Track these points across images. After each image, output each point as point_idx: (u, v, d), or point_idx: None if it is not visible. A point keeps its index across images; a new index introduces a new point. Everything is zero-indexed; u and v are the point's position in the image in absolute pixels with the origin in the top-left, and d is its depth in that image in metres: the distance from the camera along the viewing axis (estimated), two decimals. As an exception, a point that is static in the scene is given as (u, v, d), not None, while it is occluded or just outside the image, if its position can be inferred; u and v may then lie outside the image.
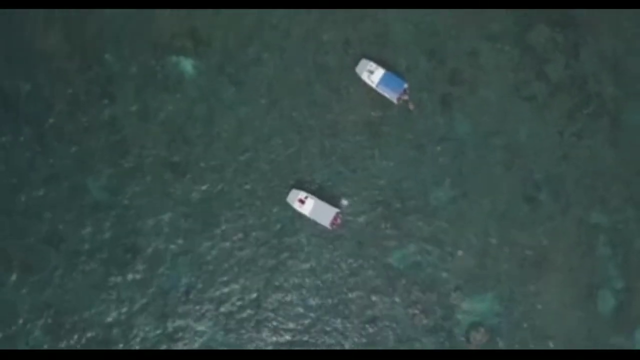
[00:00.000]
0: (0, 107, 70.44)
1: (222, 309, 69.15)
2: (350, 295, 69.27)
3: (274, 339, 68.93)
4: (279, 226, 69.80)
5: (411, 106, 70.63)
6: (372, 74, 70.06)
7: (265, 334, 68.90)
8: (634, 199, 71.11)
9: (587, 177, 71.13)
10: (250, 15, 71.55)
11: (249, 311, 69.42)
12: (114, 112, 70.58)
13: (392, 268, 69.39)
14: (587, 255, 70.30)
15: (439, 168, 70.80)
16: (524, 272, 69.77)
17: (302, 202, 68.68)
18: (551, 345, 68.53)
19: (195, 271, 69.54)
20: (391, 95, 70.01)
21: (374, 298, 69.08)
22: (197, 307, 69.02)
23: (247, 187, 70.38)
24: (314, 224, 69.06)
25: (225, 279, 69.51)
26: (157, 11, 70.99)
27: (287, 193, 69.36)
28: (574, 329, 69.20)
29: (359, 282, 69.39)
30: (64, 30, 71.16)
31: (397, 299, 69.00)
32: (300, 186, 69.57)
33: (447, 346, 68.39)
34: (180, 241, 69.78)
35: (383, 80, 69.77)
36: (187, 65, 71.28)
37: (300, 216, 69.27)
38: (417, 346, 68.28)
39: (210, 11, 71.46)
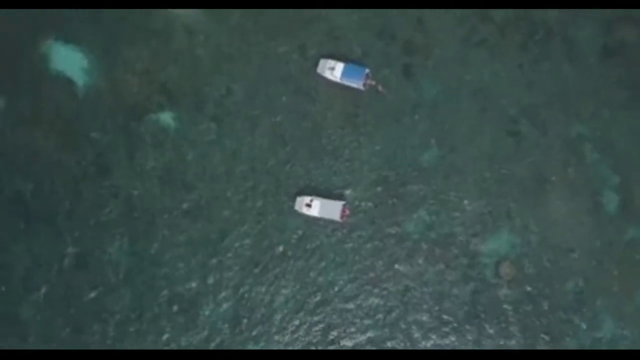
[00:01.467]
0: (11, 215, 71.55)
1: (274, 329, 71.13)
2: (380, 275, 71.60)
3: (342, 343, 71.41)
4: (297, 236, 71.75)
5: (379, 87, 72.96)
6: (334, 70, 72.14)
7: (320, 340, 71.33)
8: (604, 102, 74.10)
9: (556, 97, 74.04)
10: (206, 52, 73.44)
11: (299, 323, 71.33)
12: (114, 183, 71.76)
13: (409, 237, 71.95)
14: (579, 165, 73.52)
15: (422, 133, 73.26)
16: (528, 199, 72.80)
17: (309, 205, 70.77)
18: (575, 257, 71.71)
19: (240, 303, 71.21)
20: (357, 84, 72.20)
21: (401, 269, 71.61)
22: (254, 334, 70.99)
23: (257, 210, 72.08)
24: (327, 221, 71.30)
25: (268, 301, 71.41)
26: (126, 77, 72.50)
27: (294, 202, 71.45)
28: (590, 234, 72.41)
29: (384, 261, 71.76)
30: (48, 125, 72.10)
31: (421, 262, 71.73)
32: (303, 192, 71.62)
33: (482, 289, 71.13)
34: (214, 280, 71.46)
35: (345, 73, 71.98)
36: (167, 118, 72.57)
37: (312, 219, 71.40)
38: (455, 299, 71.04)
39: (173, 63, 73.18)
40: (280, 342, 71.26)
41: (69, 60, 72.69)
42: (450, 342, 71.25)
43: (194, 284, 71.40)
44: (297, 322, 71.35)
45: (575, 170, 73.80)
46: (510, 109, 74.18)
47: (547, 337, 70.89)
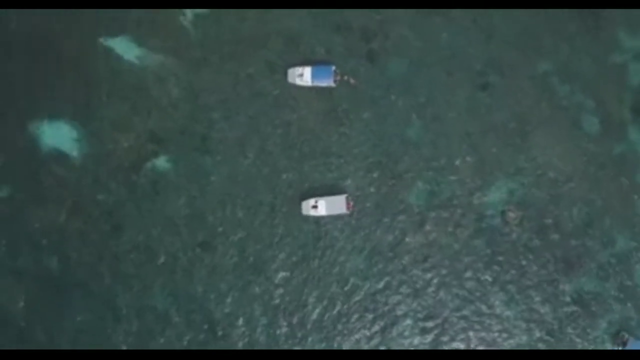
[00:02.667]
0: (47, 294, 72.29)
1: (324, 333, 73.12)
2: (399, 253, 73.89)
3: (390, 331, 73.58)
4: (313, 239, 73.75)
5: (350, 80, 75.36)
6: (303, 76, 74.21)
7: (368, 331, 73.73)
8: (559, 36, 76.99)
9: (516, 43, 76.69)
10: (181, 92, 75.07)
11: (344, 320, 73.39)
12: (132, 237, 72.97)
13: (415, 210, 74.47)
14: (553, 99, 76.46)
15: (401, 110, 75.59)
16: (515, 144, 75.62)
17: (315, 207, 72.91)
18: (572, 185, 74.78)
19: (286, 319, 73.02)
20: (328, 83, 74.39)
21: (416, 242, 73.99)
22: (307, 340, 72.99)
23: (270, 226, 73.79)
24: (336, 217, 73.70)
25: (309, 308, 73.18)
26: (114, 136, 73.79)
27: (300, 208, 73.58)
28: (581, 160, 75.56)
29: (398, 238, 74.00)
30: (56, 200, 73.06)
31: (433, 230, 74.31)
32: (306, 196, 73.65)
33: (496, 238, 73.96)
34: (258, 304, 73.01)
35: (314, 76, 74.14)
36: (162, 162, 73.83)
37: (322, 219, 73.71)
38: (473, 256, 73.82)
39: (154, 110, 74.69)
40: (331, 344, 73.27)
41: (58, 136, 73.81)
42: (490, 302, 73.84)
43: (240, 312, 72.94)
44: (342, 320, 73.24)
45: (551, 105, 76.51)
46: (476, 64, 76.66)
47: (568, 266, 74.21)
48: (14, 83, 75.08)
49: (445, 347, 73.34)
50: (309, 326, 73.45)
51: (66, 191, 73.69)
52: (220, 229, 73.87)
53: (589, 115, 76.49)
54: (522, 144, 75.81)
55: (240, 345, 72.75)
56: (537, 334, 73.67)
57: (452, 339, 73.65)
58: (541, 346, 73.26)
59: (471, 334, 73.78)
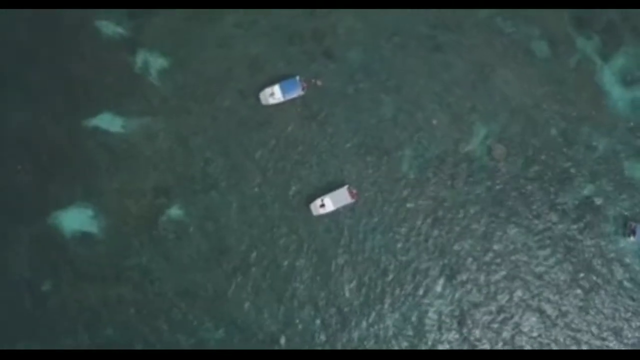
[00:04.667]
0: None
1: (375, 318, 77.27)
2: (411, 221, 78.36)
3: (431, 289, 77.91)
4: (332, 235, 77.80)
5: (318, 83, 79.83)
6: (274, 94, 78.49)
7: (416, 300, 77.78)
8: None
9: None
10: (171, 142, 78.86)
11: (390, 300, 77.35)
12: (170, 286, 76.86)
13: (411, 176, 79.15)
14: (501, 37, 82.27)
15: (370, 94, 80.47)
16: (479, 88, 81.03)
17: (323, 206, 76.82)
18: (544, 107, 79.85)
19: (337, 315, 76.81)
20: (298, 93, 78.75)
21: (422, 205, 78.59)
22: (363, 327, 76.97)
23: (289, 237, 77.74)
24: (345, 208, 77.76)
25: (353, 298, 77.31)
26: (125, 203, 77.57)
27: (311, 211, 77.43)
28: (544, 83, 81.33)
29: (405, 207, 78.65)
30: (92, 277, 76.58)
31: (432, 189, 79.04)
32: (312, 198, 77.65)
33: (490, 177, 79.01)
34: (308, 309, 76.95)
35: (284, 90, 78.46)
36: (175, 212, 77.89)
37: (333, 214, 77.51)
38: (475, 200, 78.54)
39: (152, 168, 78.13)
40: (387, 324, 77.43)
41: (76, 219, 77.59)
42: (504, 235, 78.82)
43: (280, 320, 76.78)
44: (388, 301, 77.52)
45: (501, 42, 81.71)
46: (423, 30, 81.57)
47: (565, 180, 79.25)
48: (18, 185, 78.74)
49: (479, 287, 78.09)
50: (359, 317, 77.49)
51: (99, 266, 77.52)
52: (247, 257, 77.68)
53: (538, 41, 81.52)
54: (486, 86, 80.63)
55: (296, 347, 76.82)
56: (557, 250, 78.70)
57: (482, 282, 78.44)
58: (560, 257, 78.37)
59: (500, 268, 78.47)
